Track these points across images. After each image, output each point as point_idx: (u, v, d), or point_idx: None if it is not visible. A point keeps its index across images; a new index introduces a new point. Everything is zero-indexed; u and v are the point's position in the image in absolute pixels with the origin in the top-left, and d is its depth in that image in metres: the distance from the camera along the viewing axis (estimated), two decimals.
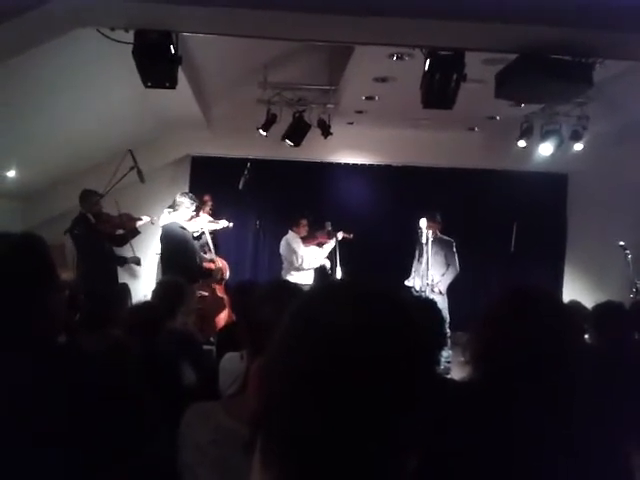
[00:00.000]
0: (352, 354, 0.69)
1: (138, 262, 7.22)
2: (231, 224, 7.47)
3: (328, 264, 7.62)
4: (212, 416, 1.55)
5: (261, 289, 1.94)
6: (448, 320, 6.35)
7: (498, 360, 1.51)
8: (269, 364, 0.76)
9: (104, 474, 1.25)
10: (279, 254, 7.68)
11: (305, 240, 7.60)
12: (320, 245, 7.70)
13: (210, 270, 7.14)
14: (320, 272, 7.59)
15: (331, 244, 7.60)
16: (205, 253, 7.17)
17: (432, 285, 6.93)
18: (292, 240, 7.48)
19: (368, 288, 0.78)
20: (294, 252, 7.41)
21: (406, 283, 7.26)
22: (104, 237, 6.72)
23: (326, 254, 7.65)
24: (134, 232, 7.09)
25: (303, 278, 7.23)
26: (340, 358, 0.69)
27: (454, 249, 7.26)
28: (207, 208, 7.58)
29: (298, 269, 7.39)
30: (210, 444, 1.48)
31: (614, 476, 1.50)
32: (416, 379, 0.72)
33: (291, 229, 7.56)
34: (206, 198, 7.64)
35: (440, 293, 7.03)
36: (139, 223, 7.07)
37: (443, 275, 7.15)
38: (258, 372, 0.78)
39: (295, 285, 1.94)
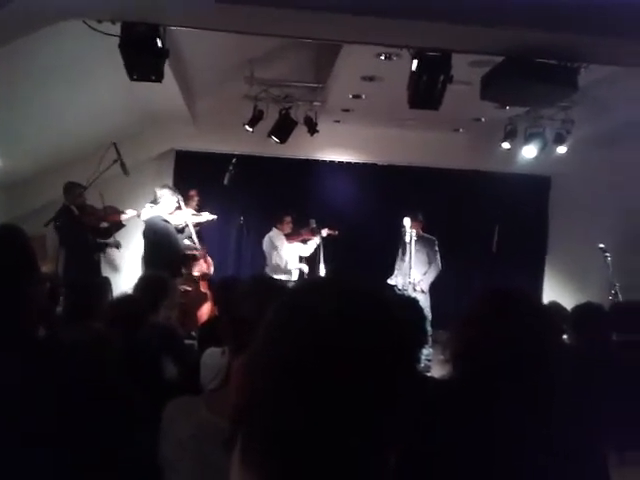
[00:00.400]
0: (336, 344, 0.69)
1: (118, 245, 7.20)
2: (215, 217, 7.43)
3: (306, 269, 7.63)
4: (194, 411, 1.54)
5: (243, 285, 1.93)
6: (430, 318, 6.38)
7: (479, 359, 1.52)
8: (252, 358, 0.75)
9: (91, 472, 1.24)
10: (262, 251, 7.67)
11: (289, 237, 7.59)
12: (304, 242, 7.71)
13: (193, 255, 7.11)
14: (300, 274, 7.60)
15: (315, 241, 7.61)
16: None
17: (414, 284, 6.96)
18: (275, 238, 7.47)
19: (352, 284, 0.79)
20: (276, 250, 7.40)
21: (389, 281, 7.28)
22: (87, 229, 6.68)
23: (310, 251, 7.65)
24: (118, 225, 7.06)
25: (287, 276, 7.23)
26: (324, 348, 0.69)
27: (436, 247, 7.31)
28: (193, 203, 7.51)
29: (281, 267, 7.38)
30: (190, 438, 1.48)
31: (592, 475, 1.52)
32: (398, 375, 0.73)
33: (275, 226, 7.56)
34: (192, 193, 7.57)
35: (422, 292, 7.05)
36: (124, 217, 7.03)
37: (425, 274, 7.18)
38: (242, 369, 0.78)
39: (278, 281, 1.94)
